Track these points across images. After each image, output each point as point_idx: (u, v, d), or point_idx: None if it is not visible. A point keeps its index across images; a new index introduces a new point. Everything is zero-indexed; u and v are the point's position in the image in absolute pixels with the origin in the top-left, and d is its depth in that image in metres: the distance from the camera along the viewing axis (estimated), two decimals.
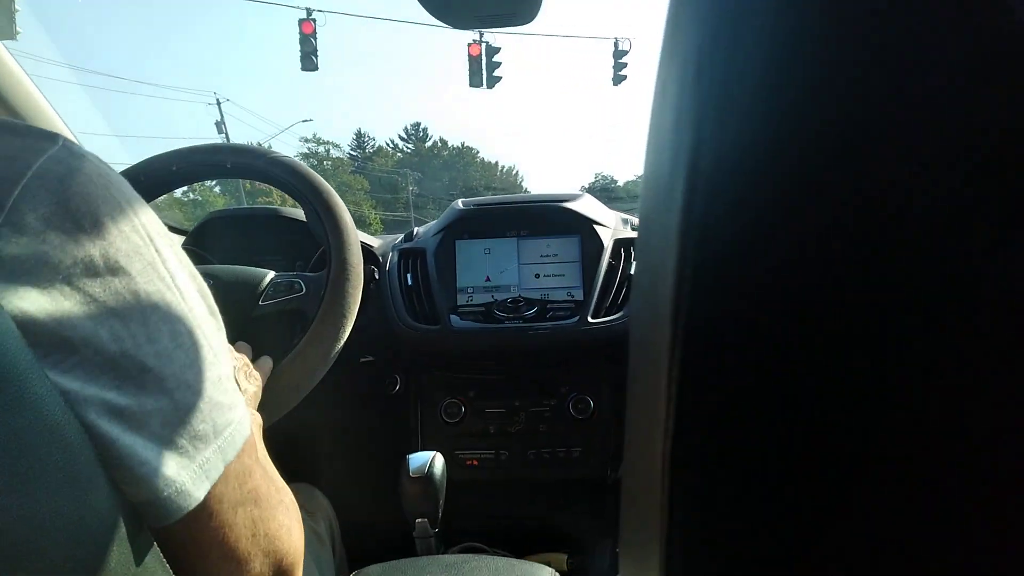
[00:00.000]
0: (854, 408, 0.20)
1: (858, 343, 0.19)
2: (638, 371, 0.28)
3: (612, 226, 1.19)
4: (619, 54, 10.73)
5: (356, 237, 0.91)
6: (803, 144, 0.19)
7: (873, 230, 0.18)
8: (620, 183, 43.06)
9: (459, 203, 1.27)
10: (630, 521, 0.31)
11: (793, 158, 0.19)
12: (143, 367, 0.32)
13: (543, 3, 0.59)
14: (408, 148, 47.32)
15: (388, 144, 47.64)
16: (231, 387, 0.39)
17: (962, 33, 0.17)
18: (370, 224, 30.69)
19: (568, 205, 1.20)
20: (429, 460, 0.88)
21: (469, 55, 10.19)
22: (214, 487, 0.36)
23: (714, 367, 0.21)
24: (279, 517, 0.43)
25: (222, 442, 0.37)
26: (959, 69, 0.17)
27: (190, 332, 0.36)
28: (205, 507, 0.35)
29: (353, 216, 0.93)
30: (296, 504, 0.48)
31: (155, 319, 0.33)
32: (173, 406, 0.33)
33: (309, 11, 9.38)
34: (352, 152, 45.43)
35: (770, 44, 0.19)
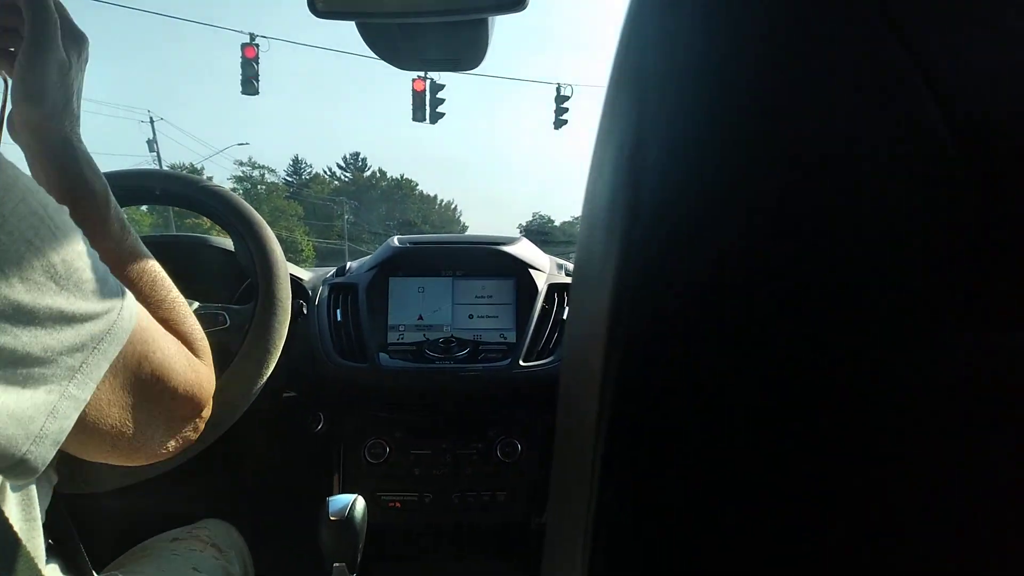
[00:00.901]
0: (791, 445, 0.20)
1: (787, 376, 0.20)
2: (568, 411, 0.28)
3: (547, 270, 1.21)
4: (561, 99, 11.01)
5: (286, 271, 0.88)
6: (736, 192, 0.20)
7: (808, 270, 0.19)
8: (557, 223, 43.94)
9: (395, 240, 1.27)
10: (553, 565, 0.30)
11: (729, 198, 0.20)
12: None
13: (487, 52, 0.61)
14: (346, 177, 46.82)
15: (326, 172, 47.04)
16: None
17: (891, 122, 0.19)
18: (302, 251, 29.97)
19: (505, 248, 1.21)
20: (350, 503, 0.85)
21: (413, 90, 10.22)
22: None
23: (645, 407, 0.22)
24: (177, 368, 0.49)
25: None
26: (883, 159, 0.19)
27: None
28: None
29: (285, 243, 0.91)
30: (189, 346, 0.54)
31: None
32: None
33: (252, 36, 9.22)
34: (288, 177, 44.51)
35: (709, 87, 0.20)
